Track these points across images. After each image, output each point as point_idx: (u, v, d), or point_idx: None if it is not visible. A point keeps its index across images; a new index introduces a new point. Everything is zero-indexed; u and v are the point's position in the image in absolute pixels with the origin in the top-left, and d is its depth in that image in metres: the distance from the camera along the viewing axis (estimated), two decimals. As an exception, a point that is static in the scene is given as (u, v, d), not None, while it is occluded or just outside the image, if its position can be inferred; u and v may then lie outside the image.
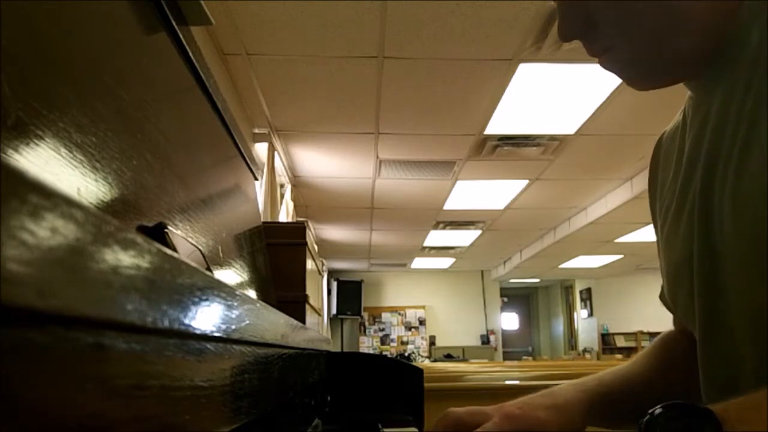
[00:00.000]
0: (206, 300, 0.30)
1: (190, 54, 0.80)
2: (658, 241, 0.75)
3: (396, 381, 1.51)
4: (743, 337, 0.54)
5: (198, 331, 0.28)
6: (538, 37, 2.87)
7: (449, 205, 6.13)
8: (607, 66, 0.64)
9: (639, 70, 0.63)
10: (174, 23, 0.74)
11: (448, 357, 10.28)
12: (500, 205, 6.13)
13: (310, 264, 2.18)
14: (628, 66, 0.63)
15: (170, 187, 0.63)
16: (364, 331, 11.02)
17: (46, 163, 0.37)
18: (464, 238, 7.91)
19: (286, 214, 4.69)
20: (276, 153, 4.18)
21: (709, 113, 0.60)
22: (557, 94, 3.53)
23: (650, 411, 0.46)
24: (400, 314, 11.10)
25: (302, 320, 1.89)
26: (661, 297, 0.81)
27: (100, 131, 0.46)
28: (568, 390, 0.70)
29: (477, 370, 4.78)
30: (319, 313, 3.21)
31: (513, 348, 12.37)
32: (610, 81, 3.33)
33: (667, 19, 0.57)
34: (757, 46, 0.54)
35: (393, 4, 2.61)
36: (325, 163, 4.80)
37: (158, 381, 0.25)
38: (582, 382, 0.73)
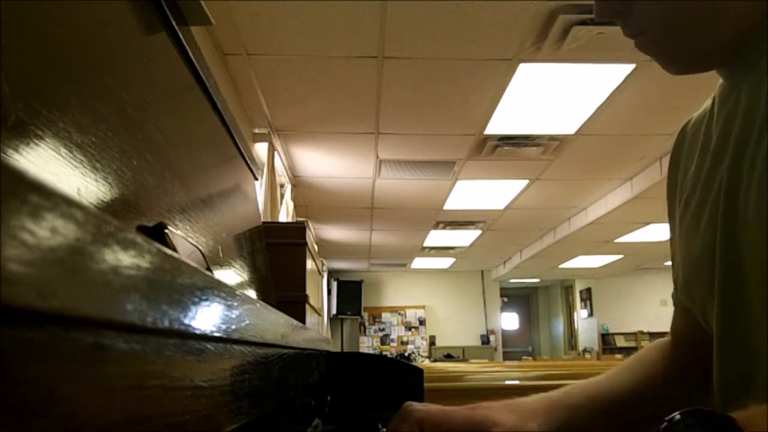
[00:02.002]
0: (206, 300, 0.30)
1: (190, 54, 0.80)
2: (673, 231, 0.73)
3: (396, 381, 1.51)
4: (762, 333, 0.54)
5: (198, 331, 0.28)
6: (538, 37, 2.87)
7: (449, 205, 6.13)
8: (641, 48, 0.63)
9: (674, 56, 0.62)
10: (174, 23, 0.74)
11: (448, 357, 10.28)
12: (500, 205, 6.13)
13: (310, 264, 2.18)
14: (663, 50, 0.62)
15: (170, 187, 0.63)
16: (364, 331, 11.02)
17: (46, 163, 0.37)
18: (464, 238, 7.91)
19: (286, 214, 4.69)
20: (276, 153, 4.18)
21: (739, 102, 0.59)
22: (557, 94, 3.52)
23: (668, 418, 0.44)
24: (400, 314, 11.10)
25: (302, 320, 1.89)
26: (674, 296, 0.78)
27: (100, 131, 0.46)
28: (531, 400, 0.71)
29: (477, 370, 4.78)
30: (319, 313, 3.21)
31: (513, 348, 12.37)
32: (610, 81, 3.34)
33: (708, 7, 0.57)
34: None
35: (393, 4, 2.61)
36: (325, 163, 4.80)
37: (158, 381, 0.25)
38: (546, 395, 0.73)
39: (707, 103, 0.70)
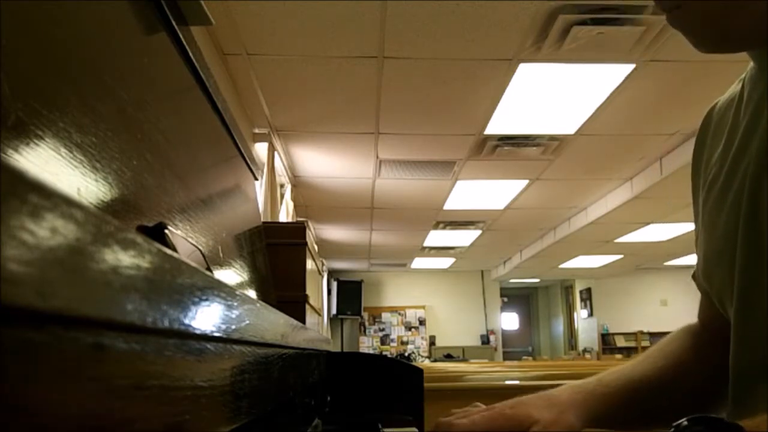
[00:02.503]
0: (206, 300, 0.30)
1: (190, 54, 0.80)
2: (696, 213, 0.72)
3: (396, 381, 1.51)
4: None
5: (198, 331, 0.28)
6: (538, 37, 2.87)
7: (449, 205, 6.13)
8: (675, 23, 0.60)
9: (709, 32, 0.59)
10: (174, 23, 0.74)
11: (448, 357, 10.28)
12: (500, 205, 6.13)
13: (310, 264, 2.18)
14: (697, 26, 0.59)
15: (170, 187, 0.63)
16: (364, 331, 11.02)
17: (46, 163, 0.37)
18: (464, 238, 7.91)
19: (286, 214, 4.69)
20: (276, 153, 4.18)
21: None
22: (557, 94, 3.52)
23: (675, 424, 0.44)
24: (400, 314, 11.10)
25: (302, 320, 1.89)
26: (694, 277, 0.77)
27: (100, 131, 0.46)
28: (565, 391, 0.70)
29: (477, 370, 4.78)
30: (319, 313, 3.21)
31: (513, 348, 12.37)
32: (610, 81, 3.34)
33: None
34: None
35: (393, 4, 2.61)
36: (325, 163, 4.80)
37: (158, 381, 0.25)
38: (580, 383, 0.72)
39: (735, 87, 0.68)
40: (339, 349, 9.69)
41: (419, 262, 9.99)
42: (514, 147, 4.37)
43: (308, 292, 2.02)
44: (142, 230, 0.52)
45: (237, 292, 0.37)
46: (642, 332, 10.60)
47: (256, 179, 1.34)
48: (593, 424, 0.69)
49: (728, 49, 0.60)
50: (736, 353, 0.60)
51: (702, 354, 0.76)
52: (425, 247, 8.55)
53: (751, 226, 0.57)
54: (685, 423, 0.44)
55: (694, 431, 0.43)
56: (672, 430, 0.44)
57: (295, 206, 5.40)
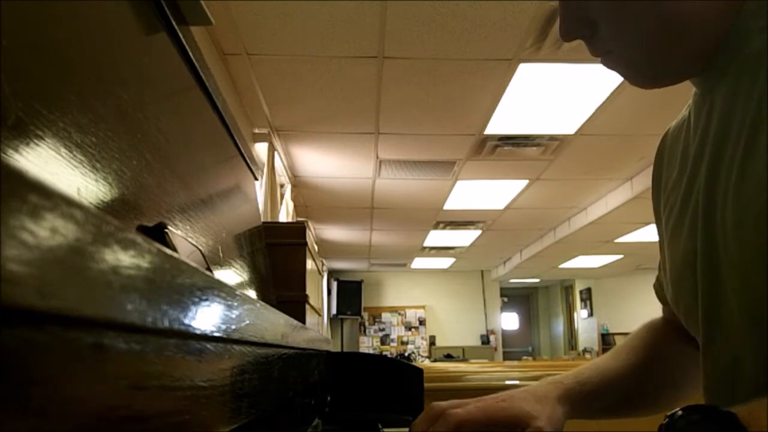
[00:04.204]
0: (206, 300, 0.30)
1: (190, 54, 0.80)
2: (661, 239, 0.74)
3: (396, 381, 1.51)
4: (743, 337, 0.54)
5: (198, 331, 0.28)
6: (538, 37, 2.87)
7: (449, 205, 6.12)
8: (609, 66, 0.64)
9: (640, 73, 0.63)
10: (174, 23, 0.74)
11: (448, 357, 10.28)
12: (500, 205, 6.13)
13: (310, 264, 2.18)
14: (629, 68, 0.63)
15: (170, 187, 0.63)
16: (364, 331, 11.02)
17: (46, 163, 0.37)
18: (464, 238, 7.91)
19: (286, 214, 4.69)
20: (276, 153, 4.18)
21: (714, 109, 0.59)
22: (557, 94, 3.52)
23: (669, 414, 0.45)
24: (400, 314, 11.10)
25: (302, 320, 1.89)
26: (655, 286, 0.82)
27: (100, 131, 0.46)
28: (547, 386, 0.72)
29: (477, 370, 4.78)
30: (319, 313, 3.21)
31: (513, 348, 12.36)
32: (610, 81, 3.34)
33: (668, 23, 0.56)
34: (759, 41, 0.53)
35: (393, 4, 2.61)
36: (325, 163, 4.80)
37: (158, 381, 0.25)
38: (558, 379, 0.75)
39: (684, 112, 0.70)
40: (339, 349, 9.69)
41: (419, 262, 9.99)
42: (514, 147, 4.37)
43: (308, 292, 2.02)
44: (142, 230, 0.52)
45: (237, 292, 0.37)
46: (642, 332, 10.59)
47: (256, 179, 1.34)
48: (574, 417, 0.72)
49: (662, 85, 0.63)
50: (706, 369, 0.61)
51: (665, 348, 0.81)
52: (425, 247, 8.55)
53: (707, 245, 0.58)
54: (680, 412, 0.44)
55: (689, 420, 0.43)
56: (666, 420, 0.44)
57: (295, 206, 5.40)
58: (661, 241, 0.74)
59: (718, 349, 0.58)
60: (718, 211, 0.56)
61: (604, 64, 0.64)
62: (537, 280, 12.07)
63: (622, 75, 0.64)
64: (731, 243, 0.54)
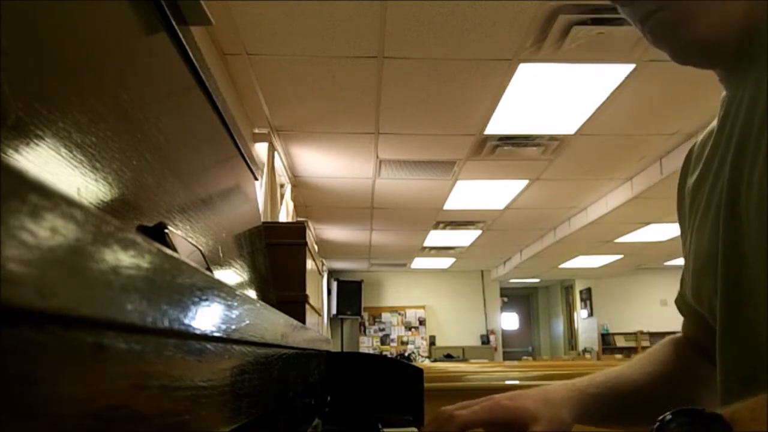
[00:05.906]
0: (206, 300, 0.30)
1: (190, 54, 0.80)
2: (684, 240, 0.75)
3: (396, 381, 1.51)
4: (763, 332, 0.54)
5: (198, 331, 0.28)
6: (538, 37, 2.87)
7: (449, 205, 6.12)
8: (652, 32, 0.62)
9: (680, 43, 0.62)
10: (174, 23, 0.74)
11: (448, 357, 10.28)
12: (500, 205, 6.12)
13: (310, 264, 2.18)
14: (671, 34, 0.61)
15: (170, 187, 0.63)
16: (364, 331, 11.01)
17: (46, 163, 0.37)
18: (464, 238, 7.90)
19: (286, 214, 4.69)
20: (276, 153, 4.18)
21: (741, 103, 0.60)
22: (557, 94, 3.52)
23: (660, 418, 0.47)
24: (400, 314, 11.10)
25: (302, 320, 1.89)
26: (677, 301, 0.82)
27: (100, 131, 0.46)
28: (559, 388, 0.73)
29: (477, 370, 4.78)
30: (319, 313, 3.21)
31: (513, 348, 12.36)
32: (610, 81, 3.34)
33: None
34: None
35: (393, 4, 2.61)
36: (325, 163, 4.80)
37: (158, 381, 0.25)
38: (573, 382, 0.75)
39: (713, 123, 0.71)
40: (339, 349, 9.69)
41: (419, 262, 9.99)
42: (514, 147, 4.37)
43: (308, 292, 2.02)
44: (142, 230, 0.52)
45: (237, 292, 0.37)
46: (642, 332, 10.59)
47: (256, 179, 1.34)
48: (583, 421, 0.72)
49: (699, 60, 0.63)
50: (723, 364, 0.62)
51: (685, 363, 0.81)
52: (425, 247, 8.54)
53: (730, 239, 0.59)
54: (669, 416, 0.47)
55: (679, 422, 0.46)
56: (657, 423, 0.47)
57: (295, 206, 5.40)
58: (684, 242, 0.75)
59: (738, 341, 0.59)
60: (741, 203, 0.57)
61: (648, 32, 0.63)
62: (537, 280, 12.07)
63: (661, 42, 0.63)
64: (753, 239, 0.55)
